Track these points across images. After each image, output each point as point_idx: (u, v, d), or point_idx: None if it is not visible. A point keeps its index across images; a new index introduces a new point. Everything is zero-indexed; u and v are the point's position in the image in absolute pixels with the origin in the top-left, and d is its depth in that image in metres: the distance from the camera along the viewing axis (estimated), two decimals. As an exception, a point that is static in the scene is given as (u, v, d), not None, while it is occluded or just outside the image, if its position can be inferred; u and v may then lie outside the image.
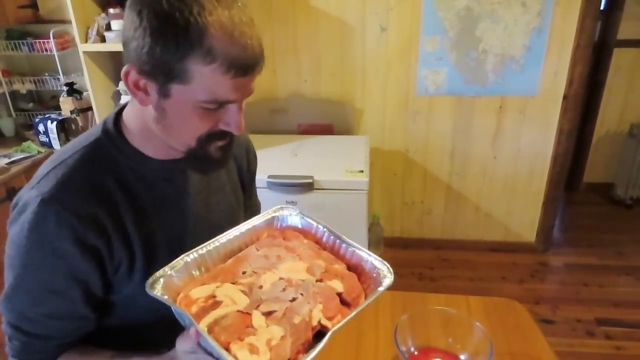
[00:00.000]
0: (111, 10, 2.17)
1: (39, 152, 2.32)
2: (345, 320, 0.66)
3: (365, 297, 0.73)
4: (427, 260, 2.86)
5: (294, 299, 0.69)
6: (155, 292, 0.66)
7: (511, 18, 2.37)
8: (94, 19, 2.18)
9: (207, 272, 0.75)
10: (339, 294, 0.72)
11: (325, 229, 0.83)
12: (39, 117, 2.46)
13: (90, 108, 2.39)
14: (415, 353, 0.94)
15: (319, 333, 0.67)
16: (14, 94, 2.66)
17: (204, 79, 0.63)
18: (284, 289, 0.71)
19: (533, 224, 2.85)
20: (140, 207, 0.77)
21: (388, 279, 0.72)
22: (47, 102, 2.76)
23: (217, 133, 0.70)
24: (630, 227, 3.13)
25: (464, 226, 2.91)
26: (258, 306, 0.67)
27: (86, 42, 2.19)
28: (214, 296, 0.68)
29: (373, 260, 0.77)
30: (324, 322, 0.68)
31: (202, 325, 0.63)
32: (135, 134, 0.77)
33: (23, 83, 2.59)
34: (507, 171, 2.74)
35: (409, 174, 2.82)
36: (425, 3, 2.40)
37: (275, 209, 0.87)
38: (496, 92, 2.54)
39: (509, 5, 2.35)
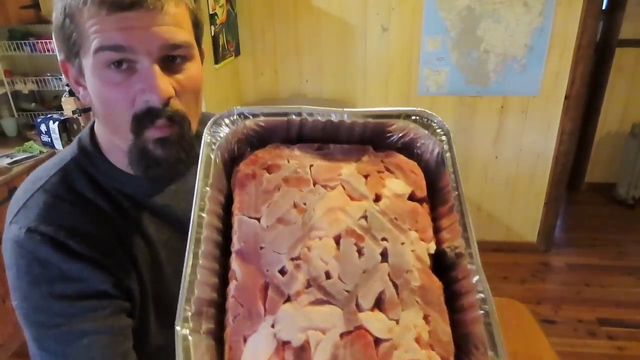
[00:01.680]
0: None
1: (41, 152, 2.32)
2: None
3: None
4: (429, 260, 2.85)
5: (383, 253, 0.45)
6: None
7: (513, 18, 2.37)
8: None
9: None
10: (412, 196, 0.49)
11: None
12: (41, 117, 2.46)
13: (91, 108, 2.39)
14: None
15: (438, 256, 0.48)
16: (16, 94, 2.66)
17: (89, 28, 0.55)
18: (358, 251, 0.45)
19: (535, 224, 2.85)
20: (138, 228, 0.68)
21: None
22: (49, 102, 2.77)
23: (144, 112, 0.58)
24: (632, 227, 3.12)
25: (466, 226, 2.91)
26: (357, 304, 0.42)
27: (88, 42, 2.18)
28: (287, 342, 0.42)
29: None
30: (431, 247, 0.47)
31: None
32: (106, 149, 0.67)
33: (25, 83, 2.60)
34: (509, 171, 2.73)
35: (411, 174, 2.82)
36: (427, 3, 2.39)
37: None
38: (498, 92, 2.54)
39: (510, 5, 2.34)
